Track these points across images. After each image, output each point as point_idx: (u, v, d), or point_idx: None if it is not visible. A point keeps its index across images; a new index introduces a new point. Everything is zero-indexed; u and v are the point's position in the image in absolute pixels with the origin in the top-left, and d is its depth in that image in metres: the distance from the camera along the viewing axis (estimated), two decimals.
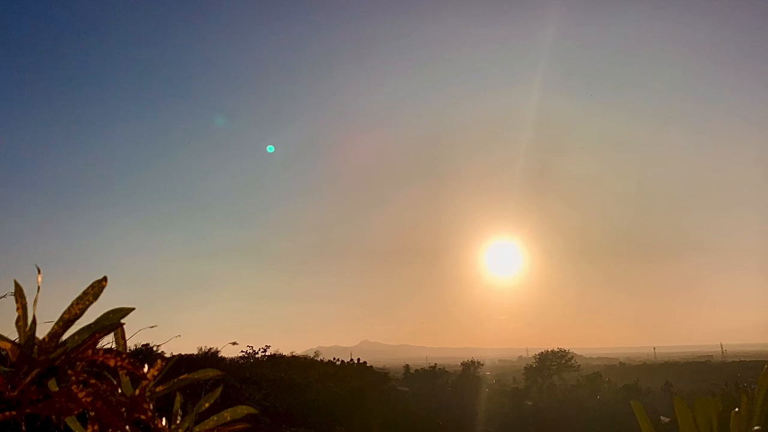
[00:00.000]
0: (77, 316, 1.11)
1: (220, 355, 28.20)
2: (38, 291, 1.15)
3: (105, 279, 1.17)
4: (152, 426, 1.34)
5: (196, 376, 1.39)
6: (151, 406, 1.29)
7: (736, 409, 2.15)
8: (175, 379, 1.38)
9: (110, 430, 1.23)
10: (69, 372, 1.12)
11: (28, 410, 1.09)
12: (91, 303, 1.13)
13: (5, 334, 1.16)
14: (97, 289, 1.14)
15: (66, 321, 1.10)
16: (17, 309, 1.10)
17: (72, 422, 1.18)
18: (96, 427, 1.15)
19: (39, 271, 1.16)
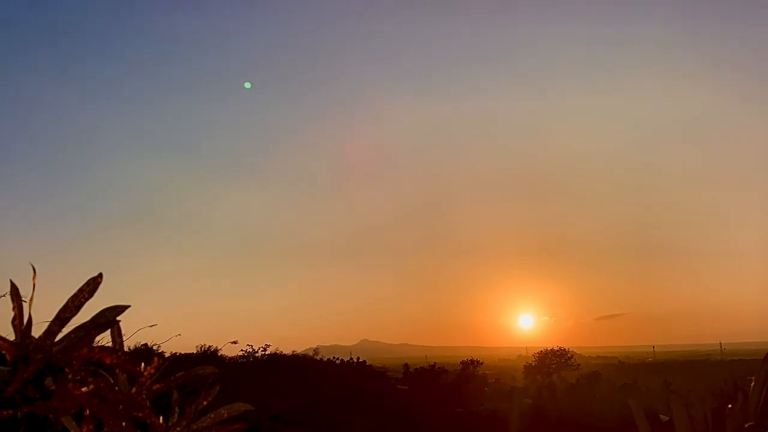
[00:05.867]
0: (73, 314, 1.12)
1: (219, 354, 28.21)
2: (33, 290, 1.15)
3: (100, 276, 1.17)
4: (150, 423, 1.35)
5: (192, 375, 1.40)
6: (148, 404, 1.30)
7: (729, 405, 2.18)
8: (172, 377, 1.38)
9: (107, 428, 1.23)
10: (66, 370, 1.12)
11: (25, 409, 1.09)
12: (86, 300, 1.13)
13: (2, 335, 1.17)
14: (92, 286, 1.14)
15: (62, 319, 1.11)
16: (13, 308, 1.10)
17: (67, 421, 1.18)
18: (91, 427, 1.15)
19: (34, 271, 1.17)
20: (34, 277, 1.17)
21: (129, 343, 1.67)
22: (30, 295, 1.15)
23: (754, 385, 2.21)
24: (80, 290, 1.14)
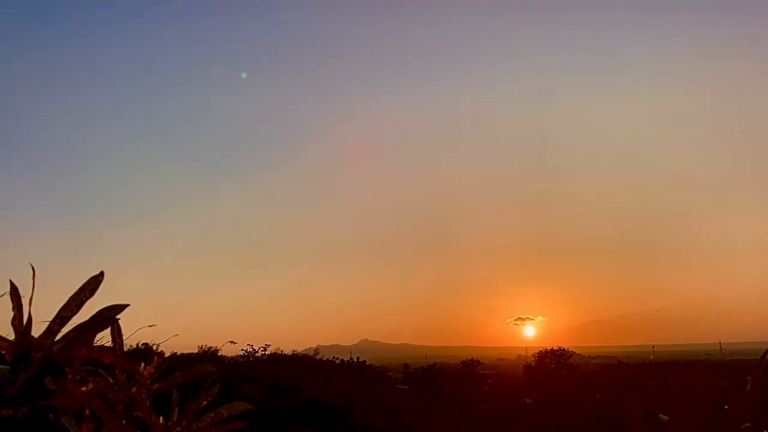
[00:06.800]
0: (74, 312, 1.11)
1: (219, 354, 28.23)
2: (33, 290, 1.15)
3: (101, 274, 1.16)
4: (150, 423, 1.35)
5: (192, 374, 1.40)
6: (149, 404, 1.30)
7: (726, 407, 2.19)
8: (172, 377, 1.38)
9: (107, 427, 1.23)
10: (66, 370, 1.12)
11: (24, 408, 1.09)
12: (87, 299, 1.13)
13: (2, 334, 1.16)
14: (93, 284, 1.13)
15: (62, 317, 1.10)
16: (12, 308, 1.10)
17: (67, 421, 1.18)
18: (91, 427, 1.15)
19: (34, 271, 1.16)
20: (33, 277, 1.16)
21: (128, 342, 1.67)
22: (29, 294, 1.15)
23: (750, 386, 2.22)
24: (81, 289, 1.13)
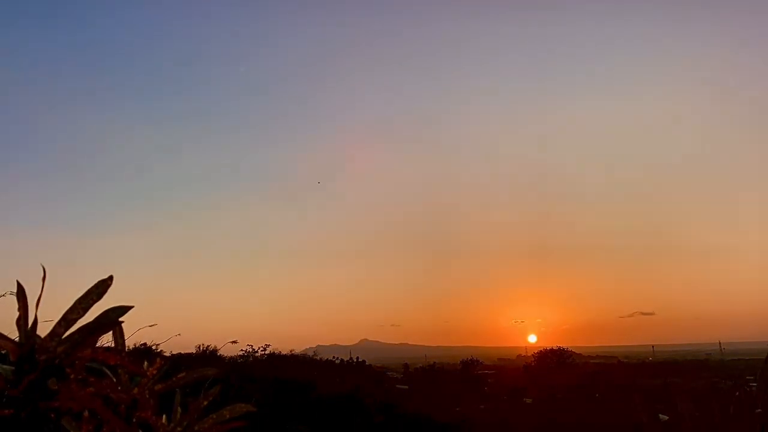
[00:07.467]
0: (80, 315, 1.11)
1: (219, 354, 28.20)
2: (42, 291, 1.15)
3: (110, 278, 1.16)
4: (153, 424, 1.35)
5: (195, 375, 1.41)
6: (152, 404, 1.30)
7: (737, 393, 2.23)
8: (174, 378, 1.39)
9: (107, 428, 1.24)
10: (68, 371, 1.13)
11: (27, 409, 1.09)
12: (94, 302, 1.13)
13: (7, 333, 1.17)
14: (101, 288, 1.13)
15: (68, 321, 1.10)
16: (18, 308, 1.10)
17: (67, 422, 1.18)
18: (91, 427, 1.16)
19: (44, 272, 1.16)
20: (43, 279, 1.17)
21: (129, 342, 1.67)
22: (36, 295, 1.15)
23: (761, 374, 2.24)
24: (89, 292, 1.13)
